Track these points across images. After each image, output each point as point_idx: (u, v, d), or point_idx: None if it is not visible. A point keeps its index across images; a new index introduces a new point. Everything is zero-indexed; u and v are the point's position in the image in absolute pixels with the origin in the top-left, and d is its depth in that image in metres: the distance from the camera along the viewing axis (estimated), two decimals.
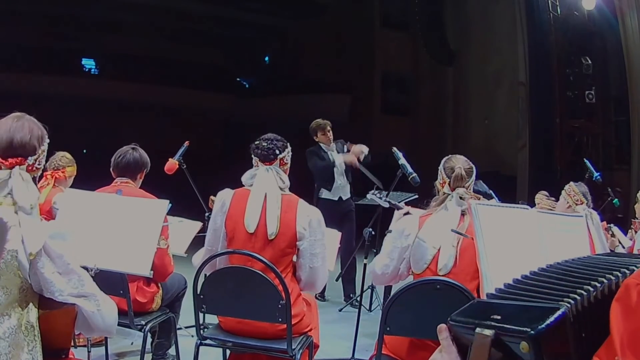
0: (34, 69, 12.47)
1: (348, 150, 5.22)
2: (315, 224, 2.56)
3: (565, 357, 0.79)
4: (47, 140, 1.66)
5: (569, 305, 0.79)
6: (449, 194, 2.48)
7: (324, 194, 5.25)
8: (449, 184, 2.49)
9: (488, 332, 0.82)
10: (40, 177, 2.02)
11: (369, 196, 3.75)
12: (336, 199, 5.25)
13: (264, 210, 2.54)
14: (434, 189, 2.63)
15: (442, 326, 0.92)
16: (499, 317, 0.83)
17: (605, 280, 0.84)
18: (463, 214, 2.44)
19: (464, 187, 2.48)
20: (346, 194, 5.29)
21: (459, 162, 2.53)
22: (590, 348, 0.80)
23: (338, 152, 5.23)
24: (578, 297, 0.81)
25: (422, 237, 2.41)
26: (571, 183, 3.77)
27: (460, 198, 2.46)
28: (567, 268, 0.95)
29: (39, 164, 1.62)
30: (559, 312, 0.78)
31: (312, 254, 2.57)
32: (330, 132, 5.19)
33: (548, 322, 0.77)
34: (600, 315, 0.80)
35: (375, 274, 2.56)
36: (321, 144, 5.22)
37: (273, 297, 2.39)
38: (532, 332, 0.76)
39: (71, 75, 13.78)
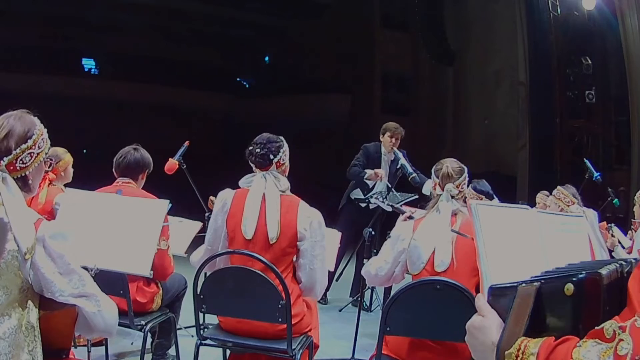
0: (34, 69, 12.46)
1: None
2: (316, 226, 2.56)
3: (594, 319, 0.85)
4: (39, 137, 1.61)
5: (603, 272, 0.87)
6: (440, 195, 2.56)
7: (356, 194, 5.12)
8: (439, 185, 2.59)
9: (533, 284, 0.90)
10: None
11: (372, 200, 3.77)
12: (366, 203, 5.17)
13: (263, 214, 2.52)
14: (430, 195, 2.70)
15: (480, 295, 1.03)
16: (540, 276, 0.93)
17: (623, 262, 0.92)
18: (454, 214, 2.50)
19: (452, 183, 2.55)
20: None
21: (447, 162, 2.63)
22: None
23: (393, 165, 5.01)
24: (608, 270, 0.88)
25: (417, 239, 2.47)
26: (558, 187, 3.88)
27: (452, 197, 2.52)
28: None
29: (22, 163, 1.57)
30: (593, 272, 0.87)
31: (313, 255, 2.57)
32: (398, 142, 4.96)
33: (586, 273, 0.86)
34: (615, 293, 0.88)
35: (369, 274, 2.63)
36: (383, 147, 5.03)
37: (273, 297, 2.39)
38: (580, 275, 0.86)
39: (71, 75, 13.78)
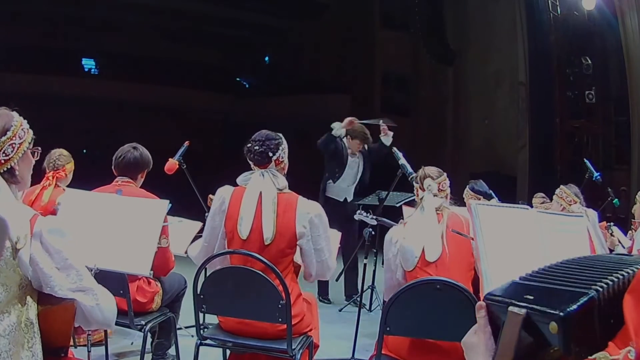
0: (34, 69, 12.46)
1: (370, 154, 5.25)
2: (316, 220, 2.54)
3: (591, 343, 0.79)
4: (18, 128, 1.62)
5: (598, 291, 0.80)
6: (422, 196, 2.62)
7: (330, 192, 5.24)
8: (420, 187, 2.65)
9: (520, 310, 0.83)
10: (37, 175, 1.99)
11: (356, 217, 3.78)
12: (341, 200, 5.25)
13: (259, 214, 2.50)
14: (415, 204, 2.75)
15: (481, 303, 0.92)
16: (531, 298, 0.84)
17: (625, 274, 0.85)
18: (438, 212, 2.53)
19: (432, 179, 2.64)
20: (350, 196, 5.30)
21: (425, 167, 2.73)
22: (607, 337, 0.81)
23: (364, 160, 5.25)
24: (605, 285, 0.81)
25: (405, 238, 2.51)
26: (561, 186, 3.90)
27: (434, 195, 2.56)
28: (589, 262, 0.96)
29: (5, 155, 1.59)
30: (587, 297, 0.79)
31: (317, 250, 2.56)
32: (365, 149, 5.22)
33: (577, 305, 0.78)
34: (616, 306, 0.81)
35: (387, 291, 2.65)
36: (349, 147, 5.21)
37: (273, 297, 2.39)
38: (562, 313, 0.77)
39: (71, 75, 13.77)
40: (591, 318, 0.79)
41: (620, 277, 0.84)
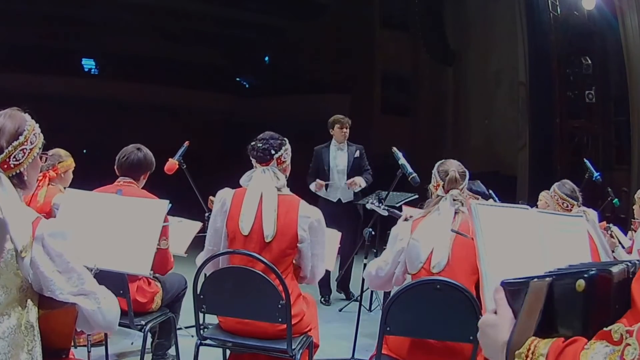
0: (34, 69, 12.45)
1: (360, 156, 5.26)
2: (316, 225, 2.57)
3: (603, 318, 0.85)
4: (31, 133, 1.60)
5: (614, 270, 0.87)
6: (443, 196, 2.53)
7: (322, 193, 5.22)
8: (443, 187, 2.56)
9: (544, 280, 0.90)
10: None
11: (368, 206, 3.79)
12: (335, 200, 5.22)
13: (260, 212, 2.52)
14: (428, 192, 2.68)
15: (499, 287, 0.98)
16: (552, 272, 0.92)
17: (629, 263, 0.91)
18: (456, 212, 2.48)
19: (457, 189, 2.54)
20: (347, 197, 5.25)
21: (453, 166, 2.60)
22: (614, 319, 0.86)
23: (349, 155, 5.22)
24: (618, 268, 0.87)
25: (416, 237, 2.45)
26: (555, 188, 3.53)
27: (454, 200, 2.51)
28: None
29: (15, 160, 1.57)
30: (606, 271, 0.86)
31: (314, 254, 2.59)
32: (347, 130, 5.21)
33: (599, 269, 0.86)
34: (623, 292, 0.87)
35: (370, 275, 2.61)
36: (334, 140, 5.22)
37: (273, 297, 2.39)
38: (591, 272, 0.86)
39: (71, 75, 13.76)
40: (608, 295, 0.85)
41: (630, 264, 0.91)
